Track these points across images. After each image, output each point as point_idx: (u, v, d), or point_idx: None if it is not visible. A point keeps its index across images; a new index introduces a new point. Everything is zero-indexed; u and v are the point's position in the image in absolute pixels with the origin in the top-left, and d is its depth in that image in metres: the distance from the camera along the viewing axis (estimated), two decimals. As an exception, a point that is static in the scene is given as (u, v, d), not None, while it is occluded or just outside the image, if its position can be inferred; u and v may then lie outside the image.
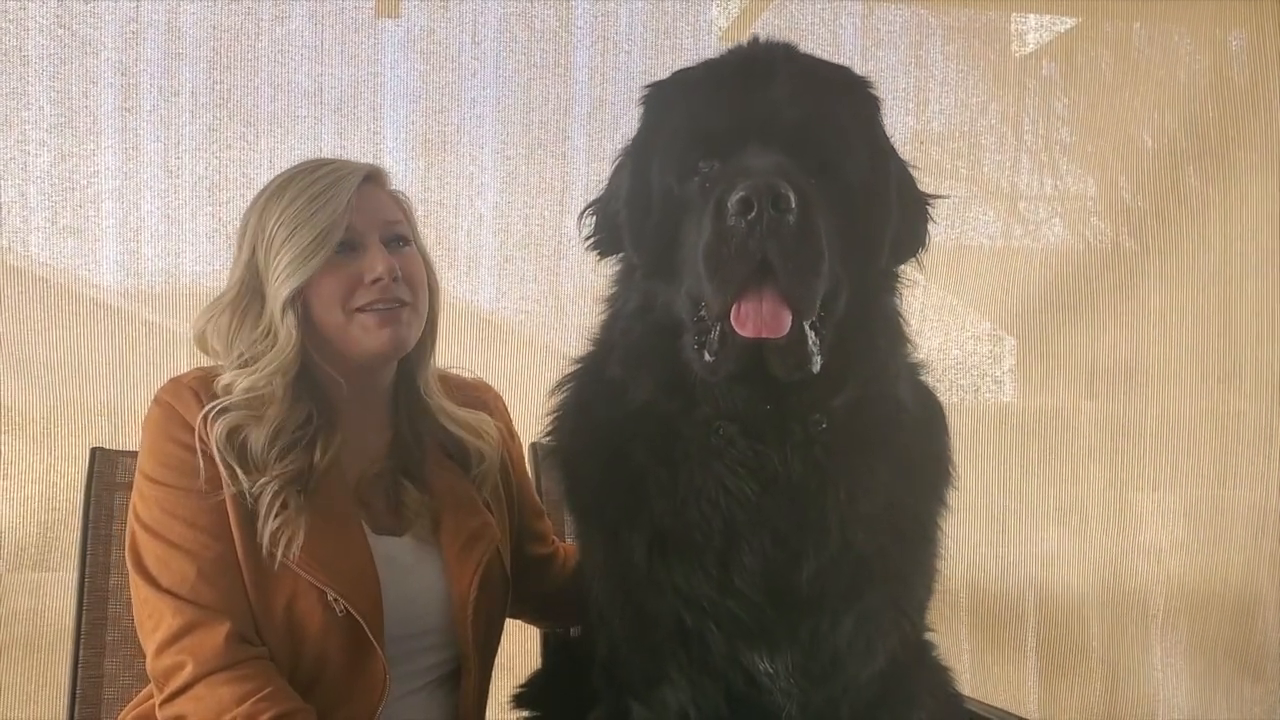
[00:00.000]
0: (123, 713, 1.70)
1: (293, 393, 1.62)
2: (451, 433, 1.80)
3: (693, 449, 1.40)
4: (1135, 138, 3.26)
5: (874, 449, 1.42)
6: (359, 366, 1.69)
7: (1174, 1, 3.26)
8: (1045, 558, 3.19)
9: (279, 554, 1.55)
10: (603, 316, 1.54)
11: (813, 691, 1.45)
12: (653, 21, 3.00)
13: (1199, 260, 3.17)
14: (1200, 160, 3.17)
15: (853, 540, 1.38)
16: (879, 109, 1.44)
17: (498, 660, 1.85)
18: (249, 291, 1.66)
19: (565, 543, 2.02)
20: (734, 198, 1.22)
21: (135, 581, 1.59)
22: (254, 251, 1.66)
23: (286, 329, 1.61)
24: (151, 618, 1.55)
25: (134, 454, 1.70)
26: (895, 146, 1.45)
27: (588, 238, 1.52)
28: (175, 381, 1.66)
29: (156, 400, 1.65)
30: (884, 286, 1.45)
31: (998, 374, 3.30)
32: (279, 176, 1.70)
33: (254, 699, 1.47)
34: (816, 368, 1.31)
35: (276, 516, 1.55)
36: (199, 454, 1.57)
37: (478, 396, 1.93)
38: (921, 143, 3.15)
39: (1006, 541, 3.18)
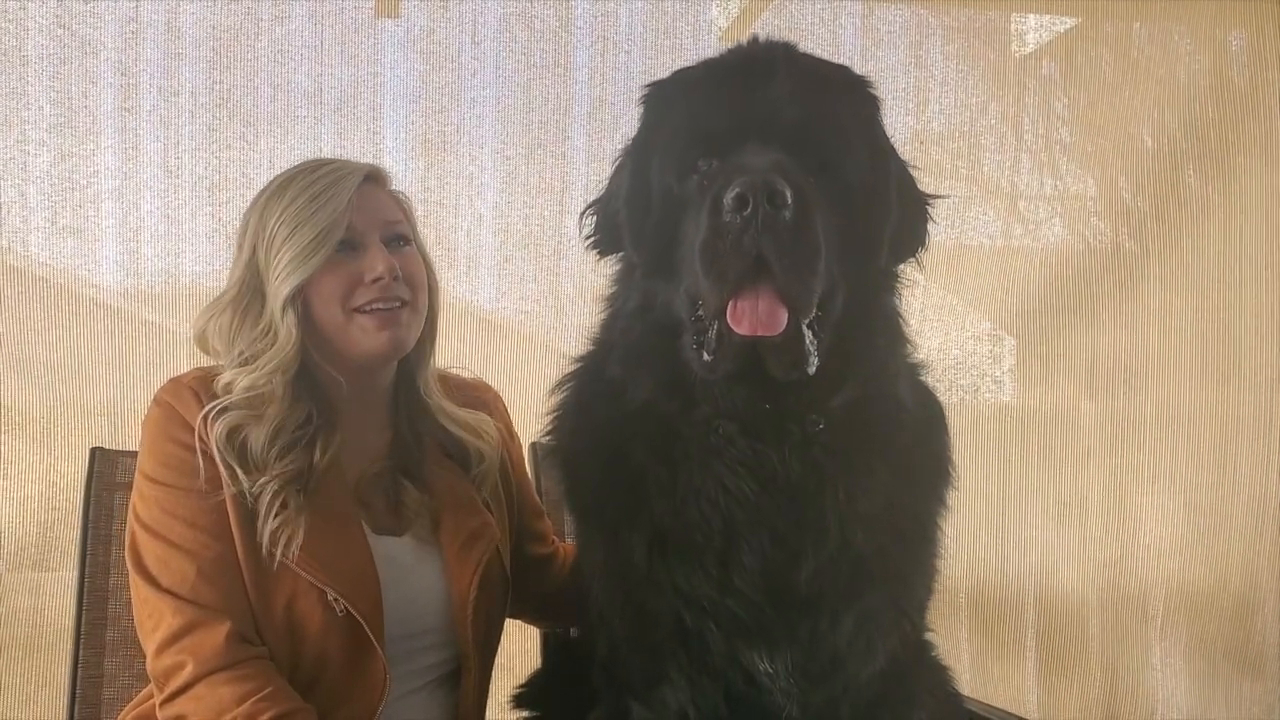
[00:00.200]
0: (123, 713, 1.70)
1: (292, 392, 1.63)
2: (451, 433, 1.80)
3: (692, 448, 1.39)
4: (1135, 137, 3.26)
5: (873, 449, 1.42)
6: (359, 366, 1.69)
7: (1174, 1, 3.26)
8: (1045, 557, 3.20)
9: (279, 554, 1.55)
10: (602, 316, 1.54)
11: (812, 691, 1.45)
12: (653, 21, 3.00)
13: (1199, 260, 3.18)
14: (1200, 160, 3.17)
15: (852, 540, 1.38)
16: (879, 108, 1.44)
17: (498, 660, 1.85)
18: (249, 290, 1.66)
19: (565, 543, 2.02)
20: (730, 194, 1.22)
21: (135, 581, 1.59)
22: (254, 250, 1.66)
23: (287, 327, 1.61)
24: (151, 618, 1.55)
25: (134, 454, 1.70)
26: (895, 146, 1.45)
27: (588, 237, 1.52)
28: (175, 381, 1.67)
29: (156, 400, 1.65)
30: (883, 286, 1.45)
31: (998, 374, 3.30)
32: (280, 176, 1.70)
33: (254, 699, 1.47)
34: (813, 368, 1.31)
35: (276, 516, 1.56)
36: (199, 454, 1.58)
37: (477, 396, 1.93)
38: (921, 143, 3.15)
39: (1006, 541, 3.17)
